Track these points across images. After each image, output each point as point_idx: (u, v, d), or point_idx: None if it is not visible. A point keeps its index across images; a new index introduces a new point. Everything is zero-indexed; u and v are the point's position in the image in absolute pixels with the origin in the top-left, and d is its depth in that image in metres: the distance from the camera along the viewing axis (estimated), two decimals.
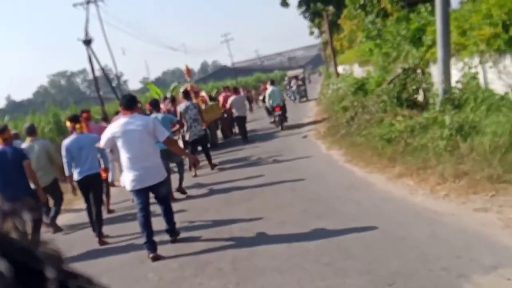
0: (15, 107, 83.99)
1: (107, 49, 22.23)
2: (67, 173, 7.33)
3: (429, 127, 8.48)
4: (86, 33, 21.37)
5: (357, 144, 10.39)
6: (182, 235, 6.63)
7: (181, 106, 11.46)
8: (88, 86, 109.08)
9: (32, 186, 7.02)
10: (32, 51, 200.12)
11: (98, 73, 24.42)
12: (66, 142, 7.28)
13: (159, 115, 9.26)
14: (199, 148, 11.97)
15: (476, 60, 8.77)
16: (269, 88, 18.52)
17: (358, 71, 24.65)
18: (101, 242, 7.11)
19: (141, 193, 6.01)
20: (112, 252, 6.74)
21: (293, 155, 11.53)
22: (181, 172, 9.46)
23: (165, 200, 6.47)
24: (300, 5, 16.33)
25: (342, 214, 6.28)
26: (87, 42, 21.27)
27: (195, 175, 11.04)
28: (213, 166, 11.71)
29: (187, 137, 11.34)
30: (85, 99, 39.91)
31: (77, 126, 7.35)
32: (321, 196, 7.31)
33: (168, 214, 6.44)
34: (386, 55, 15.57)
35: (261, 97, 25.76)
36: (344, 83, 22.08)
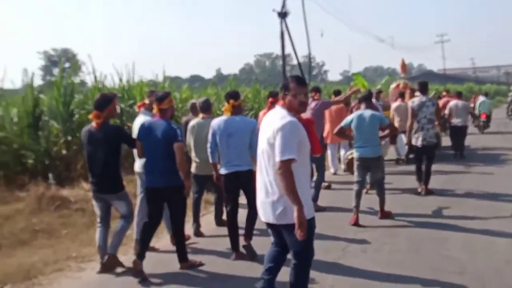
0: (221, 79, 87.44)
1: (304, 26, 19.00)
2: (210, 160, 5.93)
3: None
4: (283, 4, 18.65)
5: None
6: None
7: (414, 101, 9.01)
8: (290, 71, 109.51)
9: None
10: (244, 29, 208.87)
11: (296, 59, 21.71)
12: (213, 123, 5.78)
13: (366, 112, 7.20)
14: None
15: None
16: (481, 98, 21.52)
17: None
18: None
19: None
20: None
21: None
22: (381, 193, 7.25)
23: None
24: None
25: None
26: (283, 14, 18.59)
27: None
28: (428, 190, 8.75)
29: (414, 141, 8.86)
30: (279, 84, 38.32)
31: (226, 107, 5.73)
32: None
33: None
34: None
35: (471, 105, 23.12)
36: None
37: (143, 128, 5.33)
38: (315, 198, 7.69)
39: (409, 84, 14.92)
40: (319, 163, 7.99)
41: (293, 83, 3.82)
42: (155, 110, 5.39)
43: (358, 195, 7.10)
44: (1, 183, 8.67)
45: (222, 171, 5.72)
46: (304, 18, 19.34)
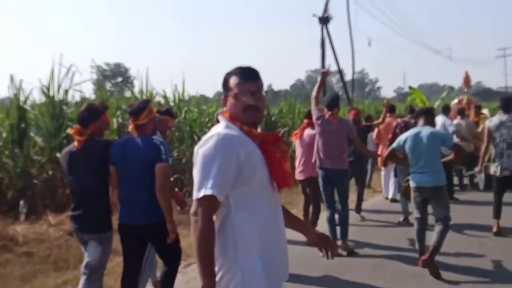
0: (273, 95, 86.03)
1: (348, 33, 16.98)
2: None
3: None
4: (326, 9, 16.69)
5: None
6: None
7: (492, 120, 7.49)
8: (342, 88, 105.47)
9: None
10: (294, 44, 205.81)
11: (338, 70, 19.71)
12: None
13: (425, 130, 5.70)
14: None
15: None
16: None
17: None
18: None
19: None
20: None
21: None
22: (440, 237, 5.53)
23: None
24: None
25: None
26: (324, 20, 16.66)
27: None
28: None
29: (493, 170, 7.29)
30: None
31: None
32: None
33: None
34: None
35: None
36: None
37: (116, 148, 4.16)
38: (343, 235, 6.24)
39: (473, 100, 12.80)
40: (342, 190, 6.35)
41: (233, 77, 2.32)
42: (130, 127, 4.25)
43: (420, 236, 5.76)
44: None
45: None
46: (349, 23, 17.35)
